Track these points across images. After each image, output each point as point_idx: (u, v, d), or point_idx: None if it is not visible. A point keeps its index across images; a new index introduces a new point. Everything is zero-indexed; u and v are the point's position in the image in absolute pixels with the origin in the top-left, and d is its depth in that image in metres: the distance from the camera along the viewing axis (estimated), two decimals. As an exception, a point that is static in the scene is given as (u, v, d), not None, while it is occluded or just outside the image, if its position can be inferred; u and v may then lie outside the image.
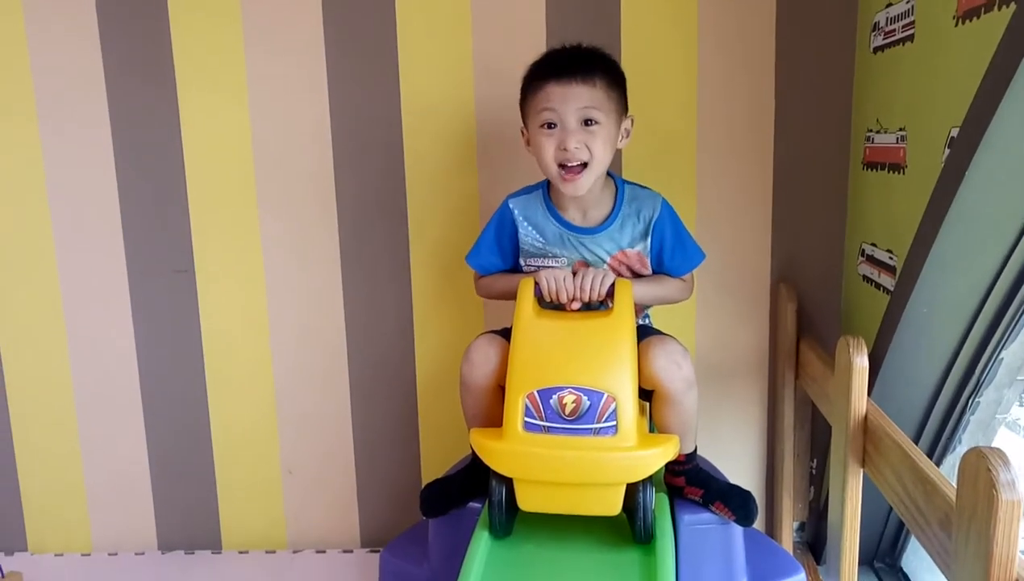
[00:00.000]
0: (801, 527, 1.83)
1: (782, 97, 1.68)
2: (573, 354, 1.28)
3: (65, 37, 1.75)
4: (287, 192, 1.80)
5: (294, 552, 1.94)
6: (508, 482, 1.30)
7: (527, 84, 1.40)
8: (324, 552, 1.93)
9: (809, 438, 1.76)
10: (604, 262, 1.43)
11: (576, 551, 1.32)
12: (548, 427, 1.26)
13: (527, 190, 1.48)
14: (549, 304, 1.40)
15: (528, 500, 1.29)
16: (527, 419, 1.26)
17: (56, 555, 1.96)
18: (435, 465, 1.89)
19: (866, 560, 1.69)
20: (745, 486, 1.47)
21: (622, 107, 1.39)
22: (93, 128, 1.78)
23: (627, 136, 1.42)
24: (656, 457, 1.25)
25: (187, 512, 1.95)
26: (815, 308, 1.71)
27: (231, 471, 1.93)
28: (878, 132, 1.50)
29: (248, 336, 1.86)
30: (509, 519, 1.33)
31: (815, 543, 1.81)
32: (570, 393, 1.25)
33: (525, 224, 1.45)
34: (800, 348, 1.66)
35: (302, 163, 1.78)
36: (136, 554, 1.95)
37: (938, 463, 1.43)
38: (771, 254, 1.74)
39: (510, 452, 1.27)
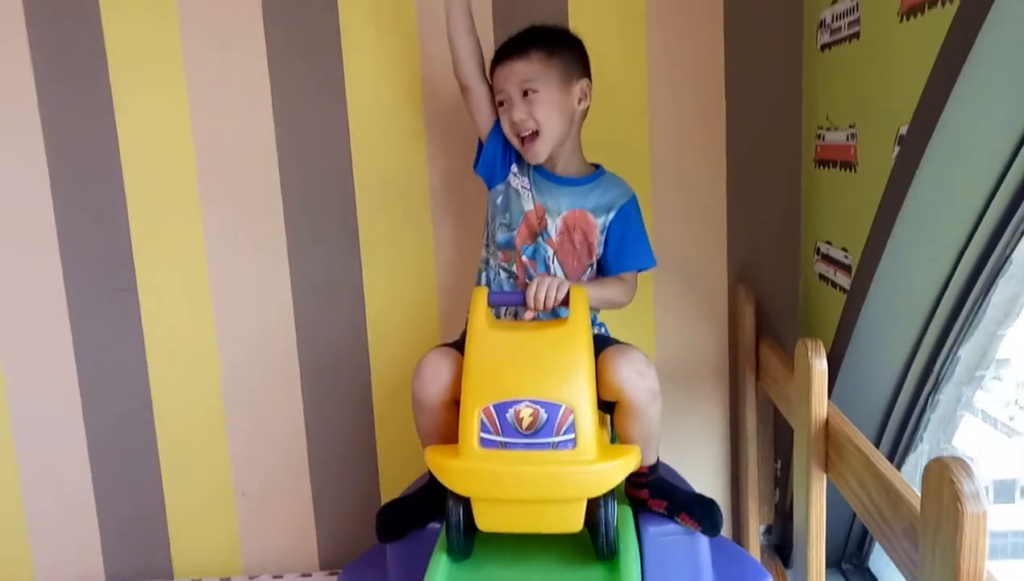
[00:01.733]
0: (768, 530, 1.82)
1: (733, 96, 1.67)
2: (529, 366, 1.25)
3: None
4: (231, 203, 1.74)
5: (250, 578, 1.87)
6: (465, 501, 1.26)
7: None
8: (281, 577, 1.86)
9: (772, 440, 1.74)
10: (559, 215, 1.45)
11: (538, 571, 1.29)
12: (505, 442, 1.22)
13: None
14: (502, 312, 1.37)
15: (486, 520, 1.25)
16: (483, 435, 1.22)
17: (-3, 593, 1.87)
18: (394, 483, 1.84)
19: (833, 562, 1.68)
20: (709, 491, 1.46)
21: (570, 72, 1.43)
22: (23, 135, 1.70)
23: (585, 98, 1.46)
24: (617, 470, 1.22)
25: (136, 540, 1.87)
26: (774, 309, 1.69)
27: (181, 495, 1.86)
28: (829, 130, 1.49)
29: (195, 354, 1.79)
30: (468, 540, 1.29)
31: (782, 546, 1.79)
32: (527, 406, 1.22)
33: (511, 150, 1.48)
34: (760, 349, 1.65)
35: (246, 173, 1.72)
36: (83, 588, 1.87)
37: (900, 463, 1.42)
38: (727, 255, 1.72)
39: (466, 470, 1.23)
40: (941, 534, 0.78)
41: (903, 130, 1.11)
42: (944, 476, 0.76)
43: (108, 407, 1.81)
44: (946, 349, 1.26)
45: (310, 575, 1.87)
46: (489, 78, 1.48)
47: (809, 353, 1.20)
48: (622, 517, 1.31)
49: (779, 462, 1.78)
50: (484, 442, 1.22)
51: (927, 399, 1.35)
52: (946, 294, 1.20)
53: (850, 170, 1.38)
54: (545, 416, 1.21)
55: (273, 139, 1.71)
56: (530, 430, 1.21)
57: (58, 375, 1.79)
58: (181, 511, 1.86)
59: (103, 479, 1.84)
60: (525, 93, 1.40)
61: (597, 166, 1.51)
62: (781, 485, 1.79)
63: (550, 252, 1.45)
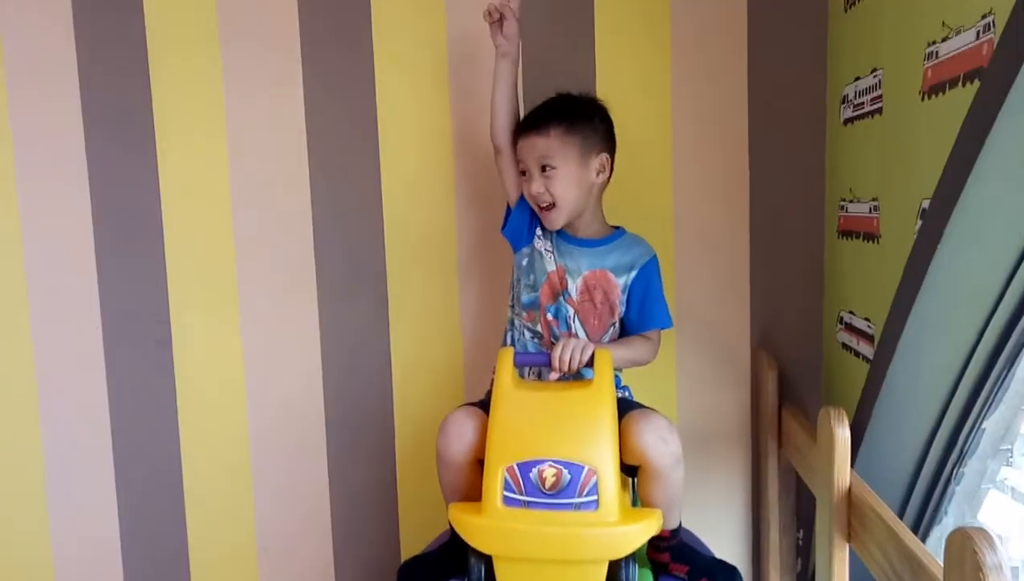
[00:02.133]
0: (788, 599, 1.78)
1: (756, 165, 1.71)
2: (553, 426, 1.27)
3: (41, 94, 1.74)
4: (266, 262, 1.79)
5: (269, 633, 1.86)
6: (488, 559, 1.27)
7: None
8: (301, 632, 1.86)
9: (795, 508, 1.73)
10: (579, 275, 1.48)
11: (558, 631, 1.28)
12: (528, 501, 1.23)
13: None
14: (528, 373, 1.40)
15: (508, 578, 1.26)
16: (506, 493, 1.24)
17: (19, 638, 1.87)
18: (414, 540, 1.83)
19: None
20: (730, 558, 1.45)
21: (589, 148, 1.46)
22: (69, 184, 1.77)
23: (604, 170, 1.49)
24: (639, 532, 1.23)
25: (159, 589, 1.88)
26: (796, 376, 1.70)
27: (205, 547, 1.87)
28: (852, 201, 1.52)
29: (225, 408, 1.82)
30: (488, 601, 1.29)
31: (804, 616, 1.76)
32: (550, 466, 1.23)
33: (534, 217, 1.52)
34: (783, 416, 1.65)
35: (281, 232, 1.78)
36: (102, 638, 1.87)
37: (924, 536, 1.41)
38: (750, 321, 1.74)
39: (489, 528, 1.24)
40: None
41: (925, 204, 1.14)
42: (967, 547, 0.76)
43: (139, 457, 1.84)
44: (970, 421, 1.26)
45: (329, 631, 1.86)
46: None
47: (832, 421, 1.20)
48: (642, 580, 1.30)
49: (801, 531, 1.76)
50: (507, 500, 1.24)
51: (951, 471, 1.35)
52: (970, 366, 1.20)
53: (873, 241, 1.40)
54: (568, 477, 1.22)
55: (308, 198, 1.76)
56: (553, 490, 1.22)
57: (92, 424, 1.82)
58: (204, 563, 1.86)
59: (130, 527, 1.86)
60: (544, 168, 1.44)
61: (617, 228, 1.55)
62: (803, 554, 1.77)
63: (571, 311, 1.48)
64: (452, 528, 1.44)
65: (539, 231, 1.53)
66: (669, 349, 1.71)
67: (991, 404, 1.22)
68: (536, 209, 1.49)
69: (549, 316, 1.49)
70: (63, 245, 1.79)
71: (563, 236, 1.52)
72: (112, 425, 1.83)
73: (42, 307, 1.81)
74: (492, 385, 1.51)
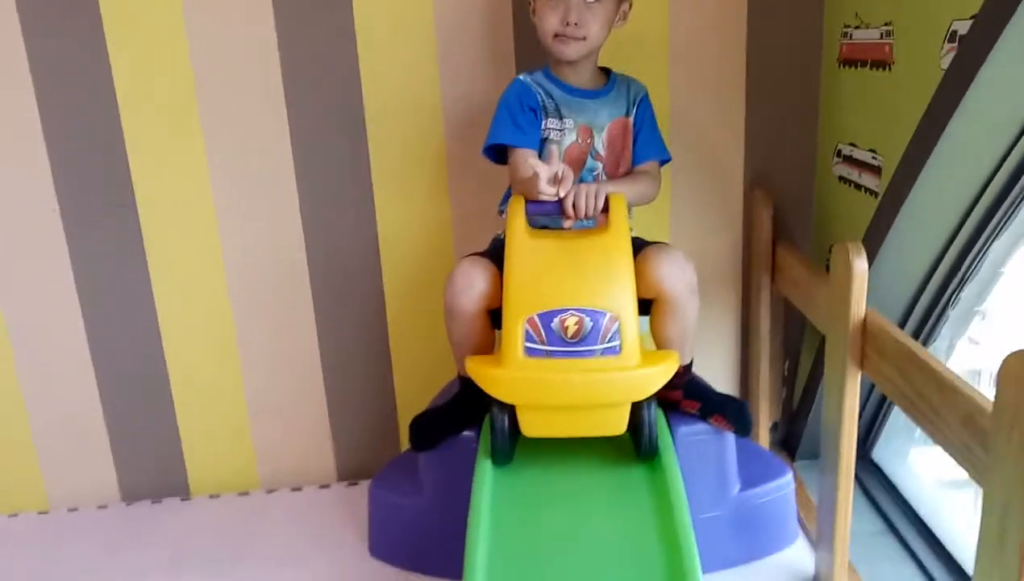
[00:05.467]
0: (774, 427, 1.87)
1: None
2: (572, 275, 1.24)
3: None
4: (233, 106, 1.65)
5: (268, 492, 1.88)
6: (510, 409, 1.27)
7: None
8: (300, 489, 1.87)
9: (783, 341, 1.78)
10: (604, 128, 1.43)
11: (580, 473, 1.32)
12: (551, 351, 1.22)
13: (529, 70, 1.46)
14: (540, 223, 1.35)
15: (532, 426, 1.27)
16: (528, 344, 1.22)
17: (10, 516, 1.84)
18: (409, 392, 1.84)
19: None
20: (720, 388, 1.49)
21: None
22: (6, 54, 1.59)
23: (624, 18, 1.44)
24: (661, 374, 1.24)
25: (149, 460, 1.86)
26: (789, 212, 1.70)
27: (193, 415, 1.84)
28: (858, 28, 1.46)
29: (200, 272, 1.74)
30: (511, 447, 1.30)
31: (788, 441, 1.86)
32: (572, 315, 1.22)
33: (538, 90, 1.43)
34: (777, 252, 1.66)
35: (248, 73, 1.63)
36: (99, 508, 1.85)
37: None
38: (744, 159, 1.71)
39: (514, 379, 1.23)
40: (1020, 423, 0.81)
41: (959, 27, 1.10)
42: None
43: (111, 324, 1.76)
44: (978, 247, 1.29)
45: (328, 486, 1.88)
46: None
47: (851, 256, 1.20)
48: (658, 418, 1.33)
49: (787, 362, 1.82)
50: (529, 351, 1.22)
51: (951, 296, 1.39)
52: (985, 193, 1.21)
53: (883, 69, 1.36)
54: (590, 324, 1.21)
55: (276, 47, 1.61)
56: (576, 338, 1.21)
57: (58, 302, 1.73)
58: (194, 429, 1.84)
59: (112, 401, 1.81)
60: None
61: (606, 69, 1.49)
62: (788, 384, 1.85)
63: (599, 167, 1.44)
64: (462, 380, 1.45)
65: (547, 117, 1.42)
66: (665, 183, 1.67)
67: (1003, 226, 1.23)
68: (549, 39, 1.38)
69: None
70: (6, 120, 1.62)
71: (573, 92, 1.43)
72: (80, 298, 1.73)
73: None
74: (497, 238, 1.48)
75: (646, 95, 1.49)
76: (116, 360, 1.79)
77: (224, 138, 1.66)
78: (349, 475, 1.89)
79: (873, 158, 1.42)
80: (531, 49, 1.55)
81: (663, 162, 1.50)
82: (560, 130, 1.42)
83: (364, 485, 1.85)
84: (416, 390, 1.82)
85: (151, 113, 1.64)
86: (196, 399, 1.83)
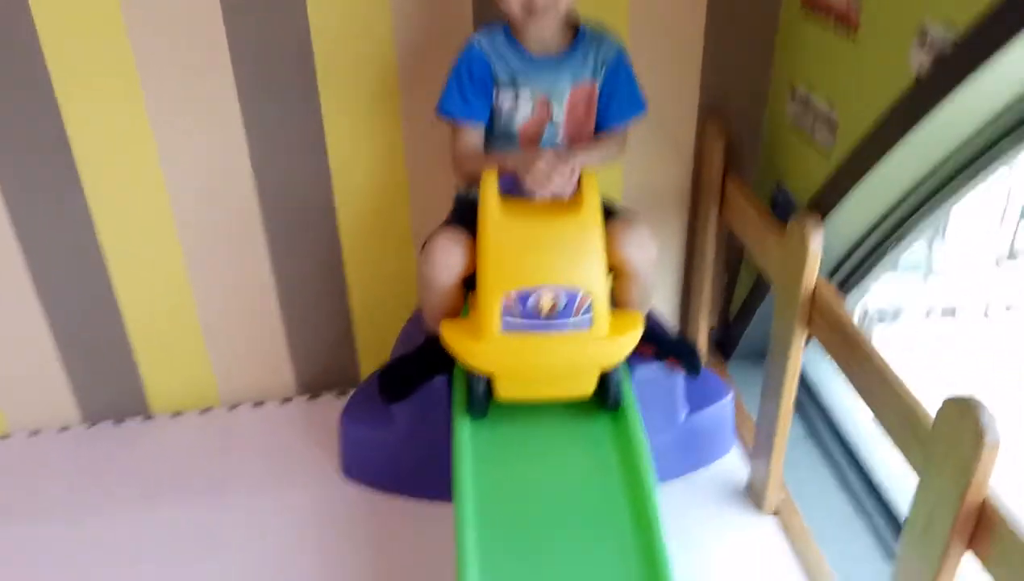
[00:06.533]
0: (711, 331, 2.01)
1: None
2: (547, 253, 1.29)
3: None
4: (168, 35, 1.53)
5: (230, 408, 1.93)
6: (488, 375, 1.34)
7: None
8: (263, 403, 1.93)
9: (724, 261, 1.88)
10: (565, 95, 1.40)
11: (549, 426, 1.42)
12: (526, 325, 1.29)
13: (487, 29, 1.41)
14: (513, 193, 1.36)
15: (507, 391, 1.36)
16: (506, 317, 1.28)
17: (-30, 442, 1.85)
18: (365, 305, 1.86)
19: (761, 359, 1.90)
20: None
21: None
22: None
23: None
24: (629, 342, 1.33)
25: (107, 382, 1.86)
26: (740, 145, 1.73)
27: (147, 336, 1.83)
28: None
29: (143, 201, 1.67)
30: (487, 405, 1.39)
31: (723, 344, 2.01)
32: (547, 292, 1.27)
33: (493, 57, 1.39)
34: (727, 185, 1.71)
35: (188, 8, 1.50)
36: (60, 430, 1.87)
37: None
38: (699, 91, 1.71)
39: (492, 351, 1.30)
40: (951, 457, 0.94)
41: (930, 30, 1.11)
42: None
43: (53, 258, 1.70)
44: (923, 211, 1.38)
45: (291, 399, 1.94)
46: None
47: (808, 230, 1.28)
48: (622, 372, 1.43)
49: (727, 276, 1.93)
50: (506, 325, 1.28)
51: (886, 250, 1.50)
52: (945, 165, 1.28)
53: (846, 30, 1.37)
54: (565, 300, 1.27)
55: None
56: (551, 314, 1.28)
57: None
58: (150, 350, 1.84)
59: (61, 328, 1.77)
60: None
61: (575, 27, 1.41)
62: (727, 294, 1.97)
63: (559, 135, 1.43)
64: (428, 332, 1.50)
65: (500, 89, 1.38)
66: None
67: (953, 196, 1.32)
68: (521, 13, 1.32)
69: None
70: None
71: (532, 60, 1.38)
72: (17, 233, 1.66)
73: None
74: (460, 197, 1.49)
75: (620, 56, 1.43)
76: (62, 289, 1.74)
77: (161, 63, 1.55)
78: (310, 388, 1.96)
79: (829, 111, 1.46)
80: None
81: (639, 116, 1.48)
82: (515, 102, 1.39)
83: (326, 399, 1.94)
84: (370, 303, 1.86)
85: (77, 44, 1.50)
86: (149, 322, 1.81)
